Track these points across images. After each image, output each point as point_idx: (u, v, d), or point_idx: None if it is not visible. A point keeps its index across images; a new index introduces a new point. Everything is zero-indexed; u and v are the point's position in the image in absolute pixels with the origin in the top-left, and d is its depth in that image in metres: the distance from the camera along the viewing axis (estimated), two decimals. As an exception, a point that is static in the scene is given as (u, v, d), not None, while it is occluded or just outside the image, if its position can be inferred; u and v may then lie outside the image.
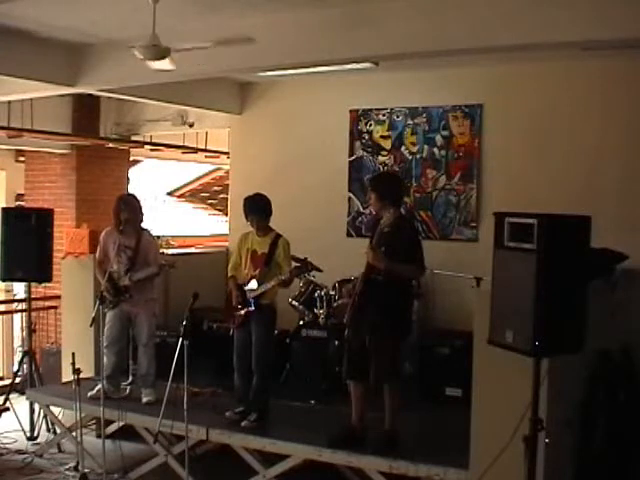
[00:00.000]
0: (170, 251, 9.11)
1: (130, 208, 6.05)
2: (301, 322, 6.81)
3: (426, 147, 7.43)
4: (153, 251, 6.12)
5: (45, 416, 6.68)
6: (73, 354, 5.28)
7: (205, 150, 10.67)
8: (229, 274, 5.84)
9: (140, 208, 6.17)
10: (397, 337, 4.99)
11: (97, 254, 6.23)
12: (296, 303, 6.81)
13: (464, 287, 6.16)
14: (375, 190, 5.09)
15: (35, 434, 6.73)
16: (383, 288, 4.89)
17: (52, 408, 6.39)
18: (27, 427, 6.73)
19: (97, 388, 5.92)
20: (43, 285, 7.63)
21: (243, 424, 5.49)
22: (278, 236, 5.64)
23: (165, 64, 5.09)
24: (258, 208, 5.67)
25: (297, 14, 5.44)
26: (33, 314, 7.43)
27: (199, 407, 5.62)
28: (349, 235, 7.83)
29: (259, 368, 5.54)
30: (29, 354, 6.93)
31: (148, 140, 9.94)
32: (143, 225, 6.19)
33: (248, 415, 5.54)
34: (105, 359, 6.12)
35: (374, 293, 4.93)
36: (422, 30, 5.10)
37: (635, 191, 6.35)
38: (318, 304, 6.70)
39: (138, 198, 6.29)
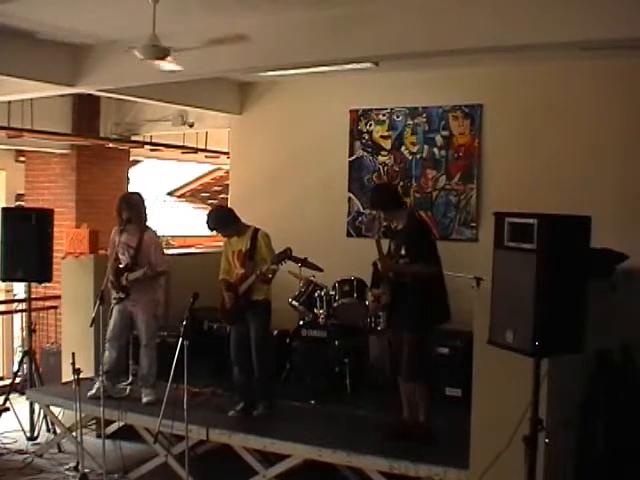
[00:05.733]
0: (170, 251, 9.11)
1: (131, 207, 6.03)
2: (301, 322, 6.81)
3: (426, 147, 7.43)
4: (154, 251, 6.09)
5: (45, 416, 6.68)
6: (73, 354, 5.28)
7: (205, 150, 10.67)
8: (220, 278, 5.92)
9: (144, 207, 6.14)
10: (422, 336, 5.10)
11: (109, 253, 6.24)
12: (296, 303, 6.81)
13: (464, 287, 6.15)
14: (377, 208, 5.34)
15: (35, 434, 6.73)
16: (411, 289, 5.02)
17: (52, 408, 6.39)
18: (27, 427, 6.73)
19: (96, 387, 5.93)
20: (43, 285, 7.63)
21: (255, 412, 5.66)
22: (256, 230, 5.76)
23: (172, 65, 5.10)
24: (218, 226, 5.82)
25: (297, 14, 5.44)
26: (33, 314, 7.42)
27: (199, 407, 5.63)
28: (349, 235, 7.83)
29: (260, 361, 5.69)
30: (29, 354, 6.92)
31: (148, 140, 9.94)
32: (148, 224, 6.17)
33: (252, 407, 5.71)
34: (106, 354, 6.14)
35: (404, 295, 5.07)
36: (422, 30, 5.11)
37: (635, 191, 6.35)
38: (318, 304, 6.70)
39: (142, 197, 6.25)
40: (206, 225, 5.89)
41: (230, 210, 5.93)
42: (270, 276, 5.65)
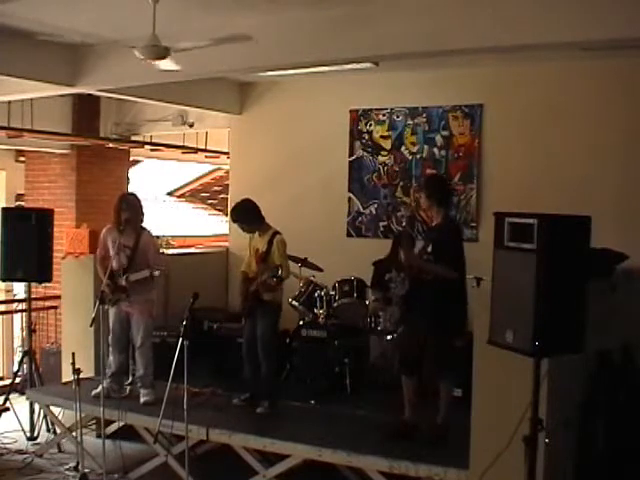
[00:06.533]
0: (170, 251, 9.11)
1: (131, 208, 6.04)
2: (301, 322, 6.81)
3: (426, 147, 7.43)
4: (152, 251, 6.10)
5: (45, 416, 6.67)
6: (73, 354, 5.28)
7: (205, 150, 10.67)
8: (241, 270, 6.10)
9: (141, 208, 6.16)
10: (446, 336, 5.03)
11: (98, 251, 6.24)
12: (296, 303, 6.81)
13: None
14: (425, 189, 5.29)
15: (35, 434, 6.72)
16: (431, 288, 4.99)
17: (52, 408, 6.38)
18: (27, 427, 6.73)
19: (100, 387, 5.91)
20: (43, 285, 7.63)
21: (258, 410, 5.77)
22: (274, 235, 5.85)
23: (170, 64, 5.11)
24: (240, 218, 5.96)
25: (297, 14, 5.44)
26: (33, 314, 7.42)
27: (199, 407, 5.63)
28: (349, 235, 7.84)
29: (265, 360, 5.82)
30: (29, 354, 6.92)
31: (148, 140, 9.94)
32: (144, 225, 6.18)
33: (256, 401, 5.85)
34: (110, 357, 6.16)
35: (423, 293, 5.05)
36: (422, 30, 5.10)
37: (635, 191, 6.35)
38: (318, 304, 6.70)
39: (139, 198, 6.28)
40: (229, 215, 6.04)
41: (256, 207, 5.92)
42: (273, 284, 5.72)
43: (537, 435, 3.50)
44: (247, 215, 5.92)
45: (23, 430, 6.70)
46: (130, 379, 6.40)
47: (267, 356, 5.82)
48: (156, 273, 5.92)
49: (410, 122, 7.51)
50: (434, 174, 7.15)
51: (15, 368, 7.28)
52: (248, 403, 5.92)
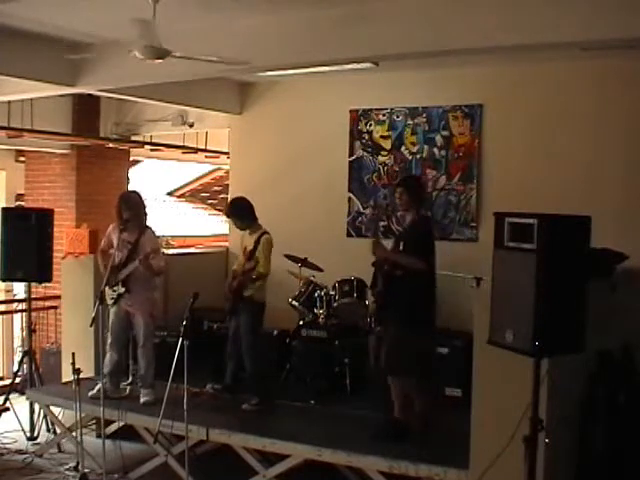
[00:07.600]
0: (170, 251, 9.10)
1: (131, 207, 6.04)
2: (301, 322, 6.81)
3: (426, 147, 7.42)
4: (150, 248, 6.09)
5: (45, 416, 6.68)
6: (73, 354, 5.29)
7: (205, 150, 10.67)
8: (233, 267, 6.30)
9: (143, 206, 6.16)
10: (406, 330, 5.04)
11: (102, 243, 6.27)
12: (296, 303, 6.80)
13: (464, 287, 6.15)
14: (407, 191, 5.36)
15: (35, 434, 6.73)
16: (401, 284, 5.06)
17: (52, 408, 6.39)
18: (27, 427, 6.73)
19: (97, 387, 5.91)
20: (43, 285, 7.63)
21: (244, 407, 5.84)
22: (262, 234, 5.99)
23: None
24: (233, 212, 6.17)
25: (297, 14, 5.44)
26: (33, 314, 7.42)
27: (199, 407, 5.62)
28: (349, 235, 7.83)
29: (247, 354, 5.92)
30: (29, 354, 6.92)
31: (148, 140, 9.94)
32: (148, 223, 6.18)
33: (236, 394, 5.99)
34: (107, 356, 6.15)
35: (395, 289, 5.12)
36: (422, 30, 5.10)
37: (635, 191, 6.35)
38: (318, 304, 6.70)
39: (140, 195, 6.28)
40: (224, 210, 6.23)
41: (249, 205, 6.10)
42: (254, 277, 5.86)
43: (537, 435, 3.50)
44: (240, 211, 6.09)
45: (23, 430, 6.70)
46: (130, 379, 6.40)
47: (249, 354, 5.89)
48: (147, 258, 5.89)
49: (410, 122, 7.51)
50: (410, 175, 7.18)
51: (15, 368, 7.28)
52: (228, 394, 6.04)
